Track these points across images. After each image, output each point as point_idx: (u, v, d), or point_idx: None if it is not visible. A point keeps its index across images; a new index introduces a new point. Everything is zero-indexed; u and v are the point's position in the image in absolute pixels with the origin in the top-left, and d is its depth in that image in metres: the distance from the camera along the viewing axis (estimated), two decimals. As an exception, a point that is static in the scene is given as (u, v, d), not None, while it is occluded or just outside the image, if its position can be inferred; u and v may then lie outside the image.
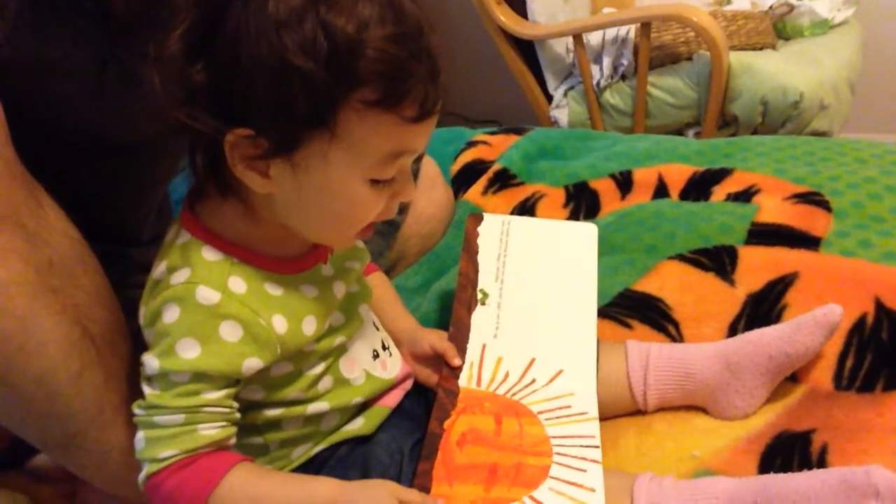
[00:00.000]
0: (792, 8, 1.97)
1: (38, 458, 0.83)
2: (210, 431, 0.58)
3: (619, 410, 0.77)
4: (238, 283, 0.59)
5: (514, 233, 0.88)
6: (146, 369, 0.58)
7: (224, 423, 0.59)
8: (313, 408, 0.65)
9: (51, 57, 0.64)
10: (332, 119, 0.52)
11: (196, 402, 0.57)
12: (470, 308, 0.81)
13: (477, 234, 0.87)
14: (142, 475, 0.58)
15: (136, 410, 0.59)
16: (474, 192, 1.17)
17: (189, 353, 0.56)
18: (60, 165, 0.66)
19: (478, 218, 0.89)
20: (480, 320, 0.80)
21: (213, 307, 0.57)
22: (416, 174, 1.05)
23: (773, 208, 0.99)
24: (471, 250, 0.86)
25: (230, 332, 0.57)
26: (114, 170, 0.79)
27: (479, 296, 0.82)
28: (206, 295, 0.57)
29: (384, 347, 0.73)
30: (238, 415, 0.60)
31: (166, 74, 0.53)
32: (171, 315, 0.57)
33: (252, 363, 0.58)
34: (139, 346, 0.66)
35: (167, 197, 0.96)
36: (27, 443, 0.66)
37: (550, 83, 2.03)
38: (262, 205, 0.59)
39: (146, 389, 0.58)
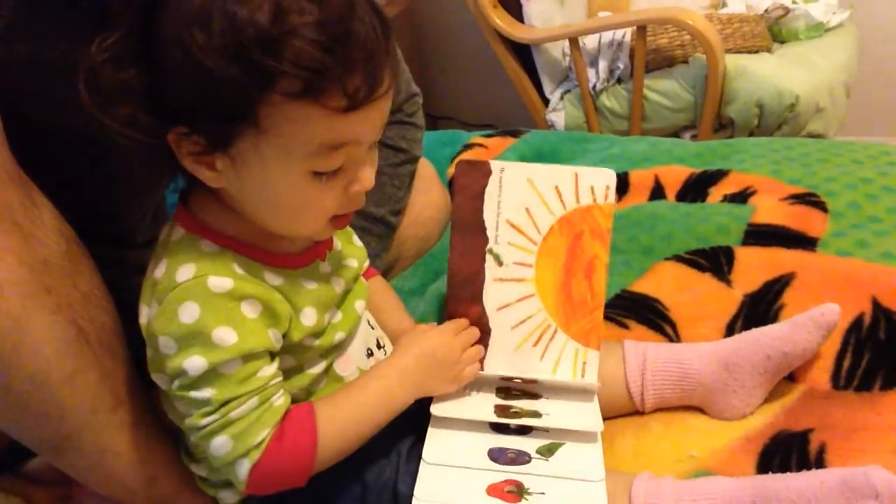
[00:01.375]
0: (787, 11, 1.97)
1: (32, 461, 0.83)
2: (281, 400, 0.60)
3: (616, 411, 0.77)
4: (240, 270, 0.59)
5: (507, 191, 0.75)
6: (189, 373, 0.56)
7: (283, 390, 0.61)
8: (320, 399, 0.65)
9: (47, 56, 0.64)
10: (254, 114, 0.51)
11: (259, 381, 0.58)
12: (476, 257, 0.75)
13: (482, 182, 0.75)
14: (243, 472, 0.58)
15: (205, 420, 0.57)
16: (471, 195, 1.17)
17: (228, 340, 0.56)
18: (56, 166, 0.65)
19: (471, 165, 0.76)
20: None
21: (229, 292, 0.57)
22: (411, 176, 1.05)
23: (769, 209, 0.99)
24: (467, 195, 0.75)
25: (251, 309, 0.58)
26: (110, 171, 0.79)
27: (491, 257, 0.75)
28: (219, 283, 0.57)
29: (379, 346, 0.73)
30: None
31: (104, 78, 0.52)
32: (192, 313, 0.56)
33: (274, 333, 0.59)
34: (136, 348, 0.66)
35: (163, 200, 0.96)
36: (22, 446, 0.65)
37: (547, 87, 2.03)
38: (229, 198, 0.59)
39: (200, 394, 0.57)
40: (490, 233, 0.74)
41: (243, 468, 0.58)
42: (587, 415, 0.70)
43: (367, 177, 0.59)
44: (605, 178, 0.73)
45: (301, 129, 0.53)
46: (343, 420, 0.62)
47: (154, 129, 0.54)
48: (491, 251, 0.74)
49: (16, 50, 0.61)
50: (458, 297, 0.75)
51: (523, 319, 0.74)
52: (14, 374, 0.58)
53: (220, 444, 0.57)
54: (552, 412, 0.70)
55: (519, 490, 0.61)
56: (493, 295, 0.74)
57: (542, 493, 0.61)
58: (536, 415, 0.69)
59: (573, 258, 0.73)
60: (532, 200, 0.74)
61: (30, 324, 0.58)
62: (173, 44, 0.51)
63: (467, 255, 0.74)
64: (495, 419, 0.68)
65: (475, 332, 0.73)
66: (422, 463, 0.64)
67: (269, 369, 0.59)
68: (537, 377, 0.74)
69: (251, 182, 0.56)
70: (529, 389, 0.74)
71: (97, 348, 0.64)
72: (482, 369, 0.73)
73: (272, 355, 0.60)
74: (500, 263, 0.74)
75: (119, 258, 0.80)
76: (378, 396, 0.64)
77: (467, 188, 0.74)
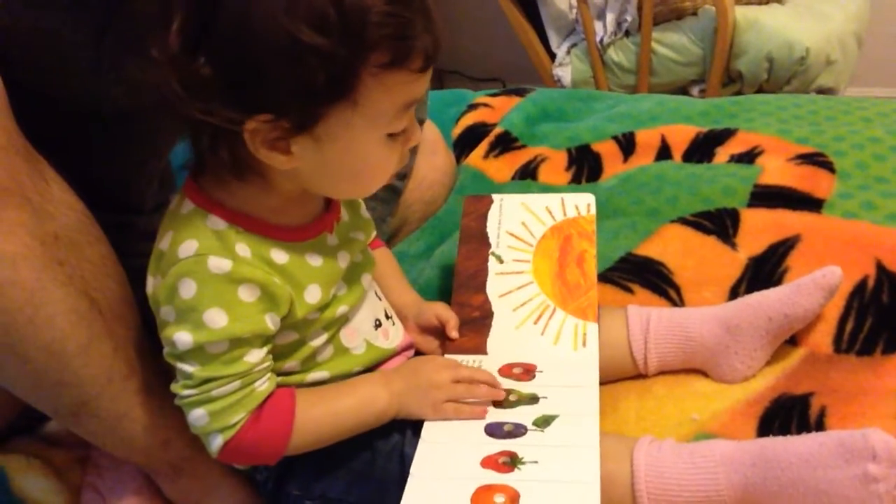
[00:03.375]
0: (799, -40, 1.93)
1: (50, 423, 0.85)
2: (264, 386, 0.61)
3: (619, 374, 0.78)
4: (244, 250, 0.59)
5: (506, 212, 0.89)
6: (177, 346, 0.58)
7: (271, 375, 0.62)
8: (313, 377, 0.67)
9: (48, 26, 0.64)
10: (353, 89, 0.54)
11: (244, 366, 0.59)
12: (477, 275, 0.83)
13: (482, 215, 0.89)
14: (216, 445, 0.61)
15: (186, 391, 0.59)
16: (476, 156, 1.17)
17: (219, 321, 0.57)
18: (62, 135, 0.66)
19: (475, 198, 0.92)
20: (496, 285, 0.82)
21: (227, 274, 0.58)
22: (421, 122, 1.05)
23: (776, 170, 0.99)
24: (473, 217, 0.88)
25: (248, 293, 0.58)
26: (115, 139, 0.79)
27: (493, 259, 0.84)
28: (218, 264, 0.57)
29: (387, 317, 0.74)
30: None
31: (173, 74, 0.52)
32: (189, 290, 0.57)
33: (273, 318, 0.60)
34: (145, 314, 0.67)
35: (169, 165, 0.96)
36: (37, 410, 0.67)
37: (553, 41, 2.00)
38: (284, 178, 0.60)
39: (184, 367, 0.59)
40: (492, 240, 0.86)
41: (216, 442, 0.61)
42: (585, 395, 0.71)
43: (419, 131, 0.63)
44: (586, 199, 0.89)
45: (389, 96, 0.56)
46: (321, 414, 0.64)
47: (229, 121, 0.53)
48: (493, 253, 0.85)
49: (17, 20, 0.61)
50: (463, 288, 0.82)
51: (524, 302, 0.80)
52: (30, 346, 0.60)
53: (198, 416, 0.60)
54: (550, 395, 0.70)
55: (513, 460, 0.62)
56: (495, 285, 0.82)
57: (536, 462, 0.62)
58: (535, 399, 0.69)
59: (565, 253, 0.84)
60: (527, 217, 0.88)
61: (43, 296, 0.59)
62: (266, 28, 0.50)
63: (472, 258, 0.84)
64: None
65: (475, 371, 0.70)
66: (420, 440, 0.65)
67: (257, 354, 0.60)
68: (538, 358, 0.74)
69: (332, 156, 0.58)
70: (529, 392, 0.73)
71: (109, 318, 0.66)
72: (485, 353, 0.75)
73: (266, 340, 0.61)
74: (501, 261, 0.84)
75: (128, 224, 0.81)
76: (359, 400, 0.65)
77: (473, 212, 0.89)
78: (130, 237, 0.74)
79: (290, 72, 0.52)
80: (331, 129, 0.56)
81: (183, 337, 0.58)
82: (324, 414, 0.64)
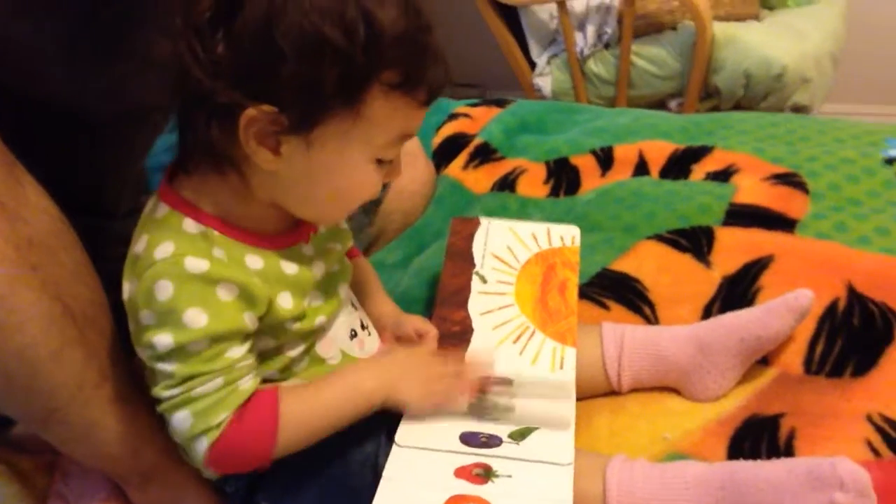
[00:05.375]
0: (777, -22, 1.96)
1: (17, 427, 0.83)
2: (248, 384, 0.61)
3: (593, 391, 0.79)
4: (220, 253, 0.59)
5: (493, 236, 0.90)
6: (158, 348, 0.58)
7: (254, 373, 0.62)
8: (290, 384, 0.66)
9: (23, 31, 0.63)
10: (360, 99, 0.56)
11: (226, 361, 0.59)
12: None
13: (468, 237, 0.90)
14: (201, 449, 0.59)
15: (167, 393, 0.59)
16: (455, 167, 1.17)
17: (198, 321, 0.57)
18: (37, 138, 0.65)
19: (463, 220, 0.93)
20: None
21: (204, 274, 0.57)
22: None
23: (750, 189, 1.00)
24: (460, 237, 0.89)
25: (226, 292, 0.58)
26: (91, 143, 0.78)
27: (476, 278, 0.85)
28: (195, 264, 0.57)
29: (363, 327, 0.74)
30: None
31: (192, 44, 0.53)
32: (166, 291, 0.57)
33: (250, 316, 0.60)
34: (119, 320, 0.66)
35: (143, 170, 0.95)
36: (5, 414, 0.66)
37: (534, 50, 2.01)
38: (260, 182, 0.60)
39: (165, 367, 0.58)
40: (477, 260, 0.87)
41: (202, 446, 0.59)
42: (561, 409, 0.71)
43: (401, 171, 0.65)
44: (571, 231, 0.91)
45: (390, 118, 0.58)
46: (308, 407, 0.63)
47: (231, 103, 0.54)
48: (477, 273, 0.86)
49: None
50: (445, 303, 0.82)
51: (504, 322, 0.80)
52: (0, 351, 0.59)
53: (181, 418, 0.59)
54: (526, 410, 0.70)
55: (486, 472, 0.62)
56: (477, 303, 0.82)
57: (510, 476, 0.62)
58: (510, 410, 0.70)
59: (548, 280, 0.85)
60: (513, 242, 0.89)
61: (15, 301, 0.58)
62: (296, 22, 0.52)
63: (457, 275, 0.85)
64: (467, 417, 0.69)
65: (460, 359, 0.72)
66: (394, 446, 0.65)
67: (239, 350, 0.60)
68: (516, 373, 0.74)
69: (318, 165, 0.58)
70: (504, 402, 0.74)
71: (82, 324, 0.65)
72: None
73: (245, 337, 0.61)
74: (485, 281, 0.85)
75: (101, 228, 0.80)
76: (346, 387, 0.65)
77: (460, 233, 0.91)
78: (104, 241, 0.74)
79: (307, 68, 0.53)
80: (326, 135, 0.56)
81: (163, 339, 0.57)
82: (311, 406, 0.63)
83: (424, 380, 0.67)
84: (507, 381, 0.73)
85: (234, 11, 0.53)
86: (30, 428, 0.73)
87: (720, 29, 1.72)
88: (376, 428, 0.67)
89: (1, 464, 0.79)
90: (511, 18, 1.99)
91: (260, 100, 0.54)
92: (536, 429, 0.68)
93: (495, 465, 0.63)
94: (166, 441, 0.69)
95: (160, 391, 0.59)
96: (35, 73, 0.65)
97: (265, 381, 0.65)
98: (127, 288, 0.61)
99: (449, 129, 1.27)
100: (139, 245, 0.60)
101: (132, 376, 0.69)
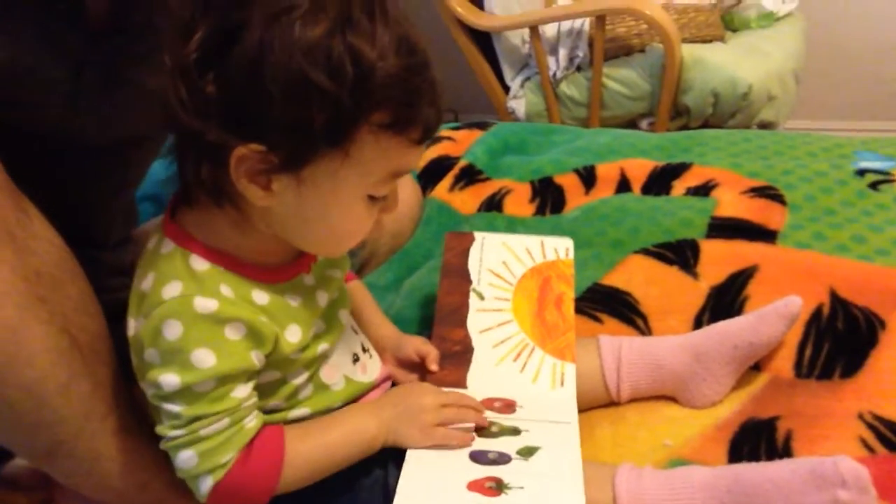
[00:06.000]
0: (739, 1, 2.03)
1: (10, 465, 0.82)
2: (253, 423, 0.61)
3: (593, 403, 0.80)
4: (227, 291, 0.59)
5: (487, 251, 0.90)
6: (164, 388, 0.58)
7: (258, 412, 0.62)
8: (295, 414, 0.67)
9: (25, 63, 0.63)
10: (349, 140, 0.55)
11: (232, 402, 0.59)
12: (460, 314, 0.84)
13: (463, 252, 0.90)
14: (206, 487, 0.60)
15: (173, 432, 0.59)
16: (441, 189, 1.19)
17: (206, 362, 0.57)
18: (33, 168, 0.65)
19: (457, 235, 0.93)
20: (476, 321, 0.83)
21: (213, 314, 0.57)
22: None
23: (730, 202, 1.03)
24: (454, 253, 0.89)
25: (234, 332, 0.58)
26: (86, 173, 0.78)
27: (474, 295, 0.85)
28: (205, 304, 0.57)
29: (364, 350, 0.74)
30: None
31: (180, 84, 0.53)
32: (174, 331, 0.57)
33: (258, 355, 0.60)
34: (117, 349, 0.66)
35: (133, 201, 0.95)
36: (5, 449, 0.65)
37: (507, 74, 2.05)
38: (259, 216, 0.60)
39: (171, 407, 0.58)
40: (473, 277, 0.87)
41: (206, 484, 0.60)
42: (565, 429, 0.72)
43: (397, 205, 0.64)
44: (565, 243, 0.91)
45: (381, 157, 0.57)
46: (311, 448, 0.64)
47: (218, 145, 0.54)
48: (474, 290, 0.86)
49: None
50: (444, 322, 0.83)
51: (503, 339, 0.81)
52: (9, 385, 0.58)
53: (186, 458, 0.59)
54: (532, 429, 0.71)
55: (498, 485, 0.63)
56: (476, 321, 0.83)
57: (522, 488, 0.63)
58: (516, 431, 0.70)
59: (544, 294, 0.86)
60: (508, 257, 0.89)
61: (25, 334, 0.58)
62: (282, 63, 0.51)
63: (453, 293, 0.86)
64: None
65: (462, 397, 0.71)
66: (405, 462, 0.65)
67: (244, 390, 0.60)
68: (517, 395, 0.76)
69: (309, 202, 0.58)
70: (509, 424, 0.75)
71: (89, 356, 0.65)
72: (465, 387, 0.76)
73: (251, 376, 0.61)
74: (482, 298, 0.85)
75: (93, 259, 0.80)
76: (348, 430, 0.65)
77: (454, 248, 0.90)
78: (96, 272, 0.73)
79: (294, 109, 0.52)
80: (316, 174, 0.56)
81: (169, 379, 0.57)
82: (314, 447, 0.64)
83: (424, 425, 0.67)
84: (509, 404, 0.75)
85: (224, 51, 0.53)
86: (33, 462, 0.72)
87: (687, 51, 1.77)
88: (383, 454, 0.68)
89: (-4, 502, 0.77)
90: (484, 43, 2.03)
91: (249, 139, 0.53)
92: (542, 446, 0.69)
93: (507, 478, 0.64)
94: (172, 475, 0.69)
95: (165, 430, 0.59)
96: (37, 101, 0.65)
97: (271, 411, 0.65)
98: (133, 325, 0.61)
99: (433, 152, 1.29)
100: (146, 282, 0.60)
101: (134, 407, 0.69)
